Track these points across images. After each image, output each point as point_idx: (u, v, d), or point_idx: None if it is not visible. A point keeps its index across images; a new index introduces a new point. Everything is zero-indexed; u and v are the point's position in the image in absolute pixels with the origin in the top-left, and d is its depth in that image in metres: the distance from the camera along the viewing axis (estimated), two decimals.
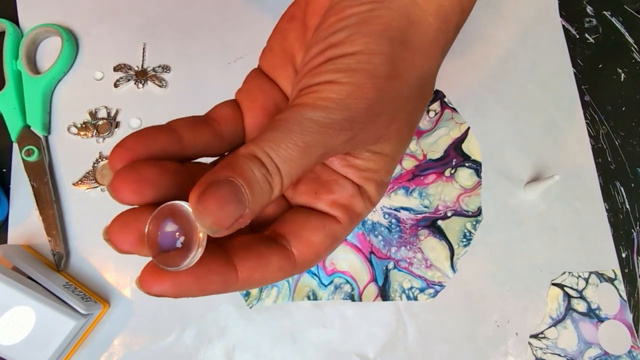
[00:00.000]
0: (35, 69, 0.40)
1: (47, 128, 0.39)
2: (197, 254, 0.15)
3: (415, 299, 0.36)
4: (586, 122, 0.40)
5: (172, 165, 0.16)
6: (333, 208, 0.19)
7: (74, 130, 0.39)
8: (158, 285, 0.15)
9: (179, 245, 0.15)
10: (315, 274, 0.36)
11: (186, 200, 0.15)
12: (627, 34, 0.43)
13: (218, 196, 0.14)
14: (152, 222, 0.15)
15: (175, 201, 0.15)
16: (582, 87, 0.41)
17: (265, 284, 0.18)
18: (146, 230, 0.15)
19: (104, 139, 0.39)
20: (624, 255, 0.38)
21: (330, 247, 0.19)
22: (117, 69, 0.40)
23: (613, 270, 0.37)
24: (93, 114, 0.39)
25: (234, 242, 0.17)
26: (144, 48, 0.41)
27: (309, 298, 0.36)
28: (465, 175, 0.39)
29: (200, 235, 0.15)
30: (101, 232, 0.16)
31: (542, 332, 0.36)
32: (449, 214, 0.38)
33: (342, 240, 0.19)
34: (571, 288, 0.37)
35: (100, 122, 0.39)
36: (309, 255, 0.18)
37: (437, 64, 0.20)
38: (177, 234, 0.15)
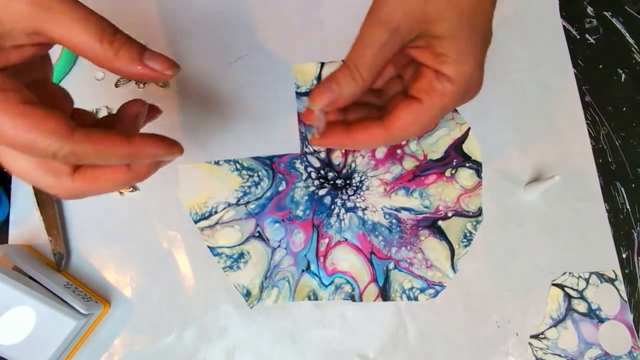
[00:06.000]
0: None
1: None
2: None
3: (416, 299, 0.36)
4: (587, 123, 0.40)
5: None
6: (418, 92, 0.25)
7: None
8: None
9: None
10: (315, 274, 0.36)
11: None
12: (627, 35, 0.43)
13: (317, 89, 0.25)
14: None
15: None
16: (583, 87, 0.41)
17: (367, 146, 0.28)
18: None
19: None
20: (624, 255, 0.38)
21: (415, 120, 0.25)
22: None
23: (613, 271, 0.37)
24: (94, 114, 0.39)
25: (352, 119, 0.28)
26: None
27: (309, 298, 0.36)
28: (465, 176, 0.39)
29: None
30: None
31: (542, 333, 0.36)
32: (450, 214, 0.38)
33: (427, 118, 0.25)
34: (571, 288, 0.37)
35: None
36: (396, 127, 0.25)
37: None
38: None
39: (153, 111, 0.28)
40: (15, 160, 0.22)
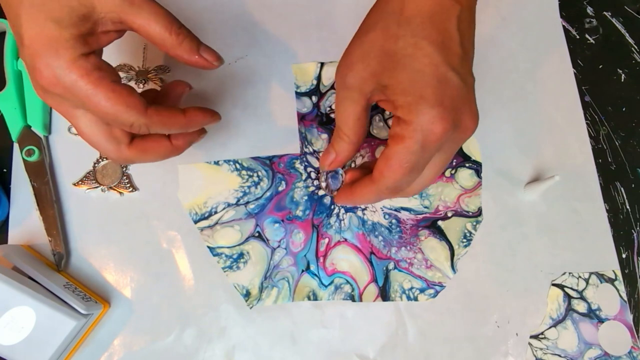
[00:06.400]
0: None
1: (48, 128, 0.39)
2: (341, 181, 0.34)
3: (416, 299, 0.36)
4: (586, 123, 0.40)
5: None
6: (389, 139, 0.27)
7: (75, 130, 0.39)
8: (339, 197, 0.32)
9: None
10: (315, 275, 0.36)
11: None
12: (627, 35, 0.43)
13: (322, 156, 0.31)
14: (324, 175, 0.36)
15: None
16: (583, 87, 0.41)
17: (365, 200, 0.30)
18: (324, 179, 0.36)
19: None
20: (624, 255, 0.38)
21: (386, 166, 0.27)
22: (118, 69, 0.40)
23: (613, 271, 0.37)
24: None
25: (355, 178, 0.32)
26: (144, 48, 0.41)
27: (309, 298, 0.36)
28: (465, 176, 0.39)
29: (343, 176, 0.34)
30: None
31: (542, 333, 0.36)
32: (449, 214, 0.38)
33: (397, 162, 0.27)
34: (571, 289, 0.37)
35: None
36: (377, 174, 0.28)
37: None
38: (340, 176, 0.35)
39: (189, 87, 0.34)
40: (87, 125, 0.27)
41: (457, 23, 0.26)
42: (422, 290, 0.36)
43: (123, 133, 0.27)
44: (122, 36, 0.28)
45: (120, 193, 0.37)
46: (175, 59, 0.28)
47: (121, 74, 0.40)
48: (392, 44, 0.26)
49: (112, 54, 0.41)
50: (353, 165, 0.39)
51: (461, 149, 0.39)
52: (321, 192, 0.38)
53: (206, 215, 0.37)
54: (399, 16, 0.26)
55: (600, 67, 0.42)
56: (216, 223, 0.37)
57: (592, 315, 0.36)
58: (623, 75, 0.42)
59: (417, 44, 0.26)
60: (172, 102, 0.32)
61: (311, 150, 0.39)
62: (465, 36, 0.27)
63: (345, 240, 0.37)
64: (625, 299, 0.37)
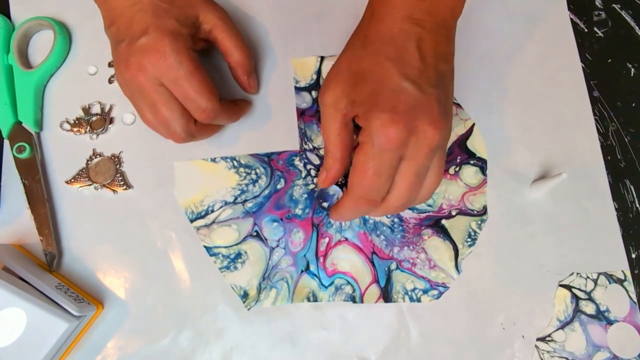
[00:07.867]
0: (27, 64, 0.39)
1: (39, 124, 0.38)
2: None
3: (419, 300, 0.35)
4: (595, 119, 0.39)
5: None
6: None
7: (67, 126, 0.38)
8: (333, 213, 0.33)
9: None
10: (315, 275, 0.35)
11: None
12: (637, 28, 0.42)
13: (319, 174, 0.33)
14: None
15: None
16: (591, 82, 0.40)
17: (348, 214, 0.31)
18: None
19: (98, 135, 0.38)
20: (633, 255, 0.37)
21: (352, 174, 0.29)
22: (111, 64, 0.39)
23: (622, 271, 0.36)
24: (86, 110, 0.38)
25: None
26: None
27: (309, 300, 0.35)
28: (470, 173, 0.37)
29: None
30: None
31: (549, 335, 0.35)
32: (454, 213, 0.37)
33: (360, 169, 0.28)
34: (579, 289, 0.36)
35: (94, 118, 0.38)
36: (349, 185, 0.30)
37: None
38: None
39: None
40: (167, 101, 0.31)
41: (418, 42, 0.28)
42: (425, 291, 0.35)
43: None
44: (205, 46, 0.36)
45: (114, 191, 0.36)
46: (231, 71, 0.36)
47: (114, 70, 0.39)
48: (357, 64, 0.29)
49: (104, 48, 0.39)
50: None
51: (465, 145, 0.38)
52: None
53: (203, 214, 0.36)
54: (363, 40, 0.30)
55: (609, 61, 0.41)
56: (213, 222, 0.36)
57: (601, 316, 0.35)
58: (633, 69, 0.41)
59: (377, 60, 0.28)
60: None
61: (311, 147, 0.38)
62: (428, 54, 0.28)
63: (346, 239, 0.36)
64: (635, 300, 0.36)
